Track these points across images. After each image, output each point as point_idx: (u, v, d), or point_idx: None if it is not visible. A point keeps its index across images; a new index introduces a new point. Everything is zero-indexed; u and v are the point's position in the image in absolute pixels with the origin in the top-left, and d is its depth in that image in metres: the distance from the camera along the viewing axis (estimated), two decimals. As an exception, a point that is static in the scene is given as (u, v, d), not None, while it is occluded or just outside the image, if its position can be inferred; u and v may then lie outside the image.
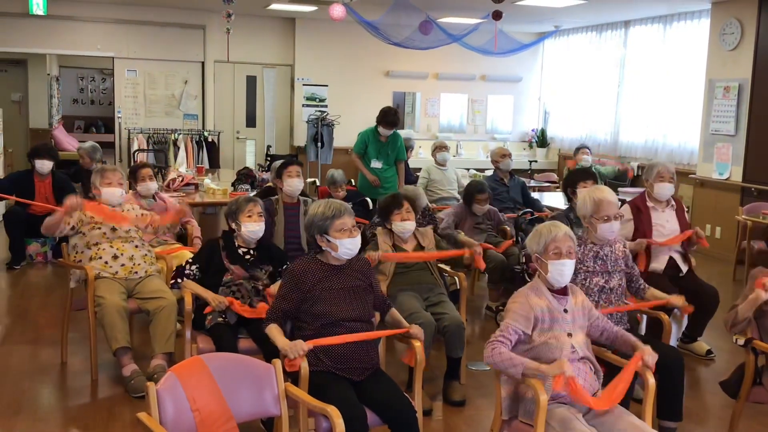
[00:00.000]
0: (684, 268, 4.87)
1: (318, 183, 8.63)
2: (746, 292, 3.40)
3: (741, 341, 3.43)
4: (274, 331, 3.12)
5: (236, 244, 3.97)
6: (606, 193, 3.71)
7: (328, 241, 3.14)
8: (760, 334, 3.46)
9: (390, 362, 4.32)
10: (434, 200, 7.21)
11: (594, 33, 11.18)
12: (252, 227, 3.91)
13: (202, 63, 10.95)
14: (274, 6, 9.84)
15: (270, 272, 3.95)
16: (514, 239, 6.02)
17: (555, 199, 7.48)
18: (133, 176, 5.53)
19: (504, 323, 2.95)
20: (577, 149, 8.56)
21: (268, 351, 3.42)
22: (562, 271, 2.98)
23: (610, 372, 3.22)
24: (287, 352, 2.94)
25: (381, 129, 6.93)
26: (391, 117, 6.87)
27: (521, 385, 2.92)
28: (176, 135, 10.48)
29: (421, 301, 4.22)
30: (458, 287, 4.68)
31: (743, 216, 7.22)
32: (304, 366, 2.96)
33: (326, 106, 11.18)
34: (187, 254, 5.20)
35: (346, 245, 3.13)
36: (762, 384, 3.43)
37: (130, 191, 5.49)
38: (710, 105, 8.57)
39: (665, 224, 4.85)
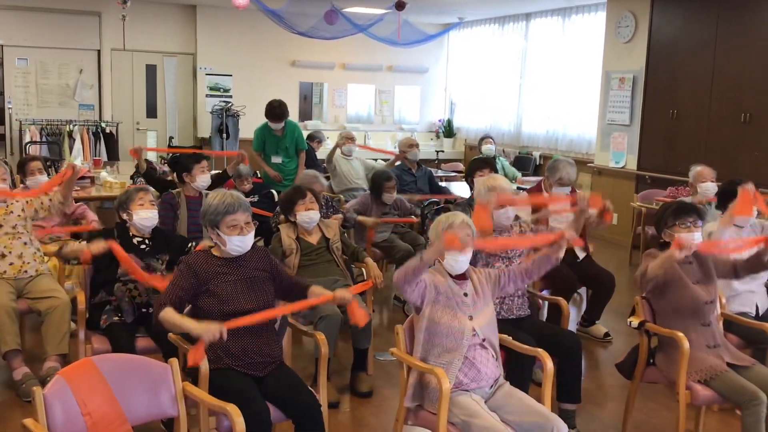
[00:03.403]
0: (581, 255, 5.04)
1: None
2: (640, 270, 3.52)
3: (635, 324, 3.55)
4: (176, 316, 2.90)
5: (130, 233, 3.85)
6: (500, 181, 3.81)
7: (218, 235, 3.07)
8: (653, 315, 3.59)
9: (296, 356, 4.28)
10: (342, 191, 7.15)
11: (497, 25, 11.38)
12: (144, 214, 3.82)
13: (98, 51, 10.50)
14: (174, -8, 9.55)
15: (167, 261, 3.85)
16: (420, 225, 6.08)
17: (461, 189, 7.57)
18: (22, 170, 5.24)
19: None
20: (482, 139, 8.70)
21: (167, 350, 3.32)
22: (456, 257, 3.01)
23: (509, 358, 3.29)
24: (203, 334, 2.74)
25: (270, 124, 6.83)
26: (276, 110, 6.74)
27: (426, 374, 2.94)
28: (71, 126, 10.02)
29: (326, 294, 4.17)
30: (365, 278, 4.66)
31: (638, 203, 7.52)
32: (204, 364, 2.87)
33: (231, 97, 10.95)
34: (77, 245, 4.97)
35: (235, 242, 3.05)
36: (655, 364, 3.57)
37: (20, 186, 5.22)
38: (607, 96, 8.88)
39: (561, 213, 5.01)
